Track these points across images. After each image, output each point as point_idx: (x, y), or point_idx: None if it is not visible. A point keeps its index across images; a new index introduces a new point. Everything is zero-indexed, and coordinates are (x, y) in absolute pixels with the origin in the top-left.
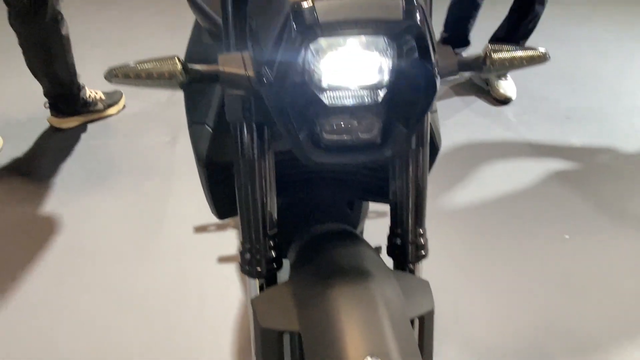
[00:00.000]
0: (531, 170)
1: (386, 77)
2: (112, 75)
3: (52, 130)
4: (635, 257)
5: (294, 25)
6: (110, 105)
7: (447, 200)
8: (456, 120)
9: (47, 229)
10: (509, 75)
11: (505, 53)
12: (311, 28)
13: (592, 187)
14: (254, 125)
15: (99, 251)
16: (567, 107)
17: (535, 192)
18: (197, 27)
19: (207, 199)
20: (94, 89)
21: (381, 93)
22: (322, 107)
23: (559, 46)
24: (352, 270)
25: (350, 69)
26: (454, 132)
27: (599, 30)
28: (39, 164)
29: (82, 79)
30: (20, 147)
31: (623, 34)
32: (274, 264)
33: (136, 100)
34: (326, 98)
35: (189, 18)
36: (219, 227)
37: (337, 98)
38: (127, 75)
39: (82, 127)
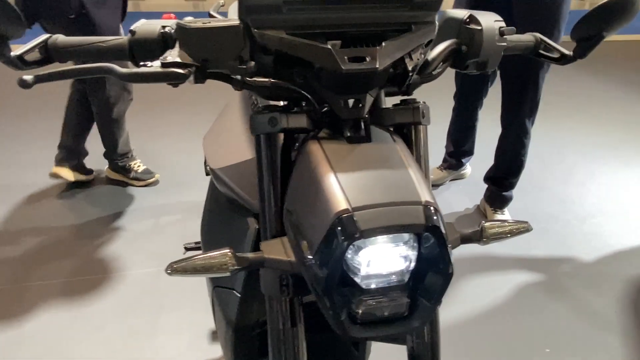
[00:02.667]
0: (504, 285)
1: (412, 264)
2: (173, 270)
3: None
4: None
5: (339, 231)
6: (136, 179)
7: None
8: None
9: None
10: (506, 210)
11: (497, 228)
12: (354, 234)
13: (563, 297)
14: (288, 299)
15: None
16: (525, 219)
17: (511, 305)
18: (213, 189)
19: (226, 355)
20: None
21: (407, 275)
22: (359, 290)
23: None
24: None
25: (382, 259)
26: None
27: (541, 143)
28: (20, 307)
29: None
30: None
31: (563, 148)
32: None
33: (118, 231)
34: (361, 281)
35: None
36: None
37: (371, 281)
38: (186, 270)
39: (64, 264)
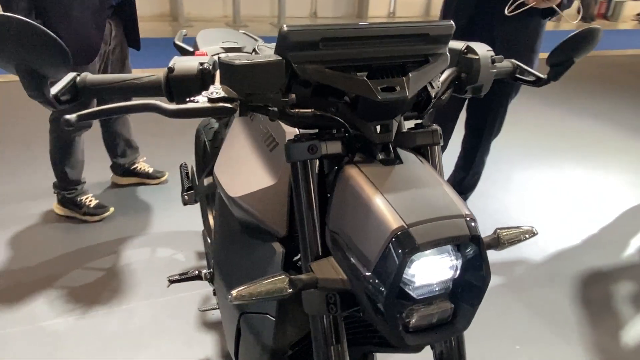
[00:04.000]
0: None
1: (457, 272)
2: (234, 298)
3: None
4: None
5: (397, 246)
6: (89, 214)
7: None
8: None
9: None
10: None
11: (510, 234)
12: (413, 248)
13: (522, 296)
14: (331, 317)
15: None
16: None
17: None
18: (224, 217)
19: None
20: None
21: (450, 283)
22: (411, 300)
23: None
24: None
25: (430, 269)
26: None
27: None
28: None
29: None
30: None
31: (499, 159)
32: None
33: (76, 271)
34: (413, 292)
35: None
36: None
37: (421, 291)
38: (247, 297)
39: (21, 311)
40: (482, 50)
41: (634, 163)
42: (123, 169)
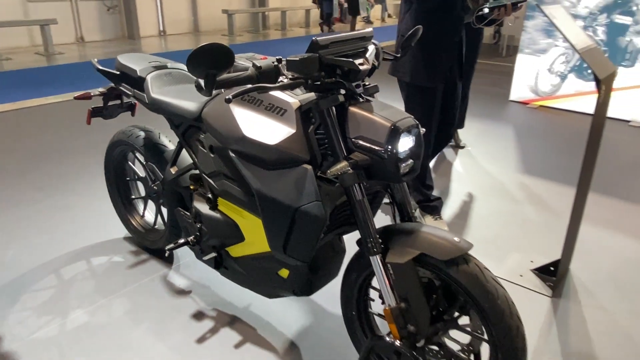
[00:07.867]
0: None
1: (413, 144)
2: (332, 172)
3: None
4: None
5: (394, 132)
6: None
7: None
8: None
9: None
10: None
11: None
12: (402, 130)
13: None
14: (358, 185)
15: None
16: None
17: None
18: (250, 164)
19: (311, 243)
20: None
21: (410, 150)
22: (399, 159)
23: None
24: None
25: (405, 143)
26: None
27: None
28: None
29: None
30: None
31: None
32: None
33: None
34: (401, 155)
35: None
36: None
37: (403, 155)
38: (340, 172)
39: None
40: (375, 42)
41: None
42: None
